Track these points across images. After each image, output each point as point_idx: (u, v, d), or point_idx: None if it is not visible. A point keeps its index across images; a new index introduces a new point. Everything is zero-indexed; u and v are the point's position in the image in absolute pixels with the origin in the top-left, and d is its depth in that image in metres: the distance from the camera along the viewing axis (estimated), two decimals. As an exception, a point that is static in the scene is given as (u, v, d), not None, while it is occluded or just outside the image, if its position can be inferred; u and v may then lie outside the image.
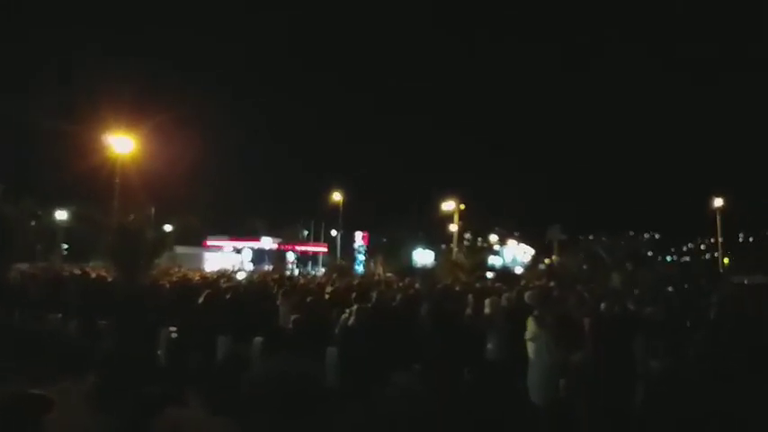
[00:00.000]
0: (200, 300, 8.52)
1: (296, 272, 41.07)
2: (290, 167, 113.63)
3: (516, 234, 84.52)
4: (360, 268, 47.80)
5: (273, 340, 7.33)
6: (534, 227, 67.71)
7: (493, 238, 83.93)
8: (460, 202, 46.32)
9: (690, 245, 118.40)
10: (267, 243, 52.46)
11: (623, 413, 4.53)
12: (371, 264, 46.92)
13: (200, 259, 45.73)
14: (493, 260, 57.15)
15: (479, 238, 78.67)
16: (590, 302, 9.56)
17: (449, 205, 45.88)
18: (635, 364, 5.11)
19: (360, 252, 53.60)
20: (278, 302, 9.46)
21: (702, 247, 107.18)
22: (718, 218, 38.42)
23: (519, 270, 47.02)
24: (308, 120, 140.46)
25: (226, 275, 21.53)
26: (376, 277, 24.44)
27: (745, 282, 22.23)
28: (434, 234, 60.43)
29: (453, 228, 46.60)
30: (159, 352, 7.24)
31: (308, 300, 9.20)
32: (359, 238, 54.20)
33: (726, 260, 45.71)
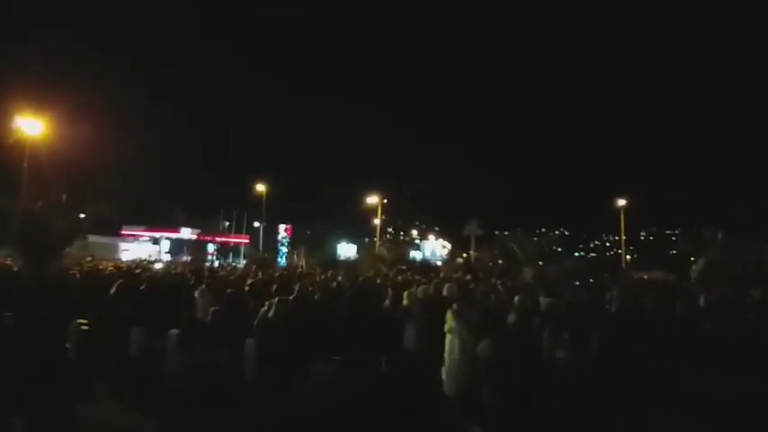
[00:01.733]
0: (113, 290, 8.17)
1: (216, 263, 40.00)
2: (212, 158, 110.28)
3: (436, 229, 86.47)
4: (282, 260, 47.27)
5: (190, 333, 7.16)
6: (453, 222, 69.40)
7: (414, 232, 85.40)
8: (384, 198, 46.85)
9: (596, 242, 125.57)
10: (186, 233, 50.86)
11: (531, 402, 4.76)
12: (294, 256, 46.59)
13: (115, 249, 43.78)
14: (414, 254, 58.08)
15: (401, 233, 79.70)
16: (503, 295, 10.00)
17: (373, 200, 46.25)
18: (543, 354, 5.42)
19: (283, 244, 52.98)
20: (196, 294, 9.22)
21: (607, 244, 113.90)
22: (621, 217, 41.01)
23: (438, 263, 48.04)
24: (232, 111, 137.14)
25: (141, 265, 20.68)
26: (299, 270, 24.25)
27: (645, 277, 23.82)
28: (358, 227, 60.84)
29: (376, 222, 47.06)
30: (68, 345, 6.88)
31: (228, 292, 9.04)
32: (282, 231, 53.52)
33: (628, 257, 48.89)
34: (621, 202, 40.36)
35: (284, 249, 52.56)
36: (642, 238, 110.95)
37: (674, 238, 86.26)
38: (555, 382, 4.62)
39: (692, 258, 24.33)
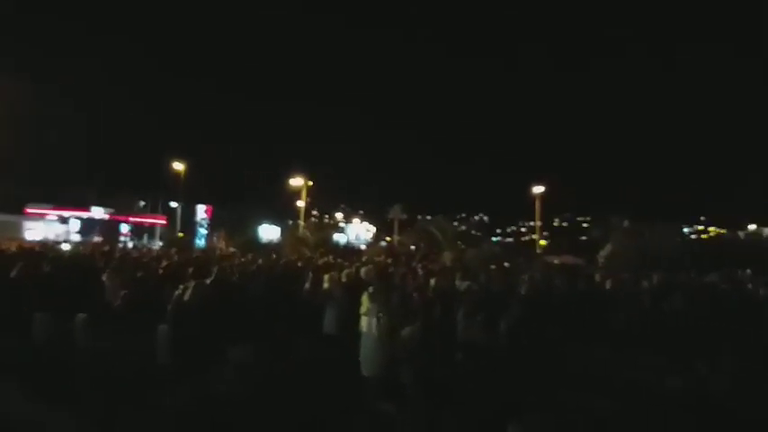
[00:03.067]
0: (14, 273, 7.67)
1: (130, 245, 38.26)
2: (126, 133, 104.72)
3: (361, 212, 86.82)
4: (201, 242, 45.89)
5: (98, 318, 6.86)
6: (378, 206, 69.98)
7: (339, 215, 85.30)
8: (308, 179, 46.39)
9: (513, 227, 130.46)
10: (98, 213, 48.25)
11: (445, 382, 4.92)
12: (214, 238, 45.34)
13: (19, 228, 40.81)
14: (338, 237, 58.09)
15: (326, 216, 79.34)
16: (422, 279, 10.22)
17: (297, 181, 45.68)
18: (457, 336, 5.61)
19: (202, 226, 51.34)
20: (104, 277, 8.81)
21: (523, 229, 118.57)
22: (537, 204, 42.72)
23: (362, 247, 48.33)
24: (149, 81, 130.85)
25: (47, 246, 19.49)
26: (218, 252, 23.66)
27: (556, 261, 24.97)
28: (281, 210, 59.96)
29: (300, 204, 46.59)
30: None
31: (139, 275, 8.70)
32: (201, 212, 51.84)
33: (542, 242, 51.08)
34: (538, 190, 42.00)
35: (203, 231, 51.02)
36: (556, 224, 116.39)
37: (585, 225, 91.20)
38: (468, 364, 4.80)
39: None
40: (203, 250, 29.31)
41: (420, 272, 12.25)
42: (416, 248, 33.17)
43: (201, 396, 5.73)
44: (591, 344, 6.20)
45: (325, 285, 8.48)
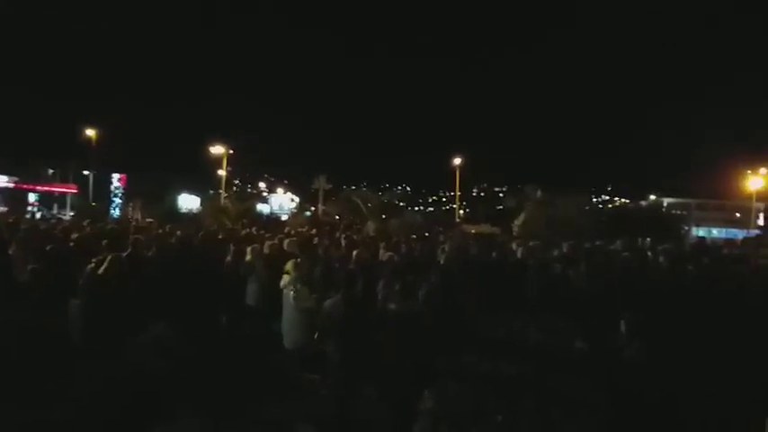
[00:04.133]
0: None
1: (38, 215, 35.89)
2: (35, 99, 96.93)
3: (285, 182, 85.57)
4: (116, 213, 43.76)
5: (3, 293, 6.51)
6: (302, 176, 69.21)
7: (262, 185, 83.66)
8: (230, 148, 45.09)
9: (434, 197, 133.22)
10: (1, 181, 44.94)
11: (369, 353, 5.07)
12: (129, 208, 43.38)
13: None
14: (261, 207, 57.09)
15: (249, 185, 77.56)
16: (345, 250, 10.32)
17: (218, 150, 44.27)
18: (377, 306, 5.76)
19: (116, 195, 48.86)
20: (10, 251, 8.31)
21: (444, 199, 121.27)
22: (456, 174, 43.81)
23: (286, 218, 47.81)
24: (63, 42, 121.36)
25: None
26: (134, 223, 22.70)
27: (473, 231, 25.80)
28: (202, 179, 58.10)
29: (221, 173, 45.31)
30: None
31: (49, 247, 8.26)
32: (116, 180, 49.25)
33: (461, 212, 52.62)
34: (457, 161, 43.02)
35: (118, 201, 48.65)
36: (474, 194, 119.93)
37: (501, 195, 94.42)
38: (387, 333, 4.96)
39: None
40: (118, 221, 27.97)
41: (343, 243, 12.34)
42: (341, 219, 33.21)
43: (119, 372, 5.61)
44: (504, 310, 6.53)
45: (247, 258, 8.42)
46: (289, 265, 6.72)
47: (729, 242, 17.41)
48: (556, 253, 10.77)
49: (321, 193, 52.67)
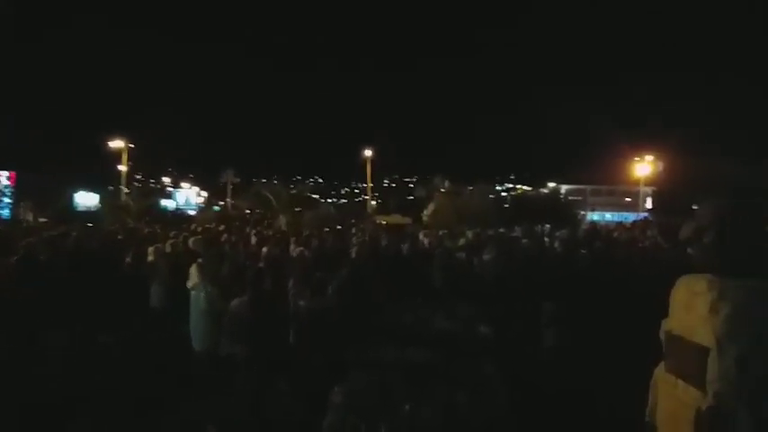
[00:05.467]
0: None
1: None
2: None
3: (191, 176, 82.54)
4: (5, 214, 40.44)
5: None
6: (209, 170, 67.01)
7: (166, 179, 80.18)
8: (130, 141, 42.88)
9: (346, 189, 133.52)
10: None
11: (279, 354, 5.06)
12: (20, 209, 40.29)
13: None
14: (165, 203, 54.81)
15: (152, 180, 74.18)
16: (255, 246, 10.19)
17: (117, 143, 41.95)
18: (288, 305, 5.76)
19: (5, 195, 45.12)
20: None
21: (356, 191, 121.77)
22: (368, 166, 44.17)
23: (192, 213, 46.23)
24: None
25: None
26: (25, 225, 21.10)
27: (384, 222, 26.16)
28: (100, 175, 54.86)
29: (122, 168, 43.04)
30: None
31: None
32: (4, 179, 45.46)
33: (373, 202, 53.11)
34: (368, 153, 43.37)
35: (7, 200, 45.00)
36: (386, 184, 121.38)
37: (411, 186, 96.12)
38: (299, 331, 4.99)
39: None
40: (7, 223, 25.92)
41: (254, 239, 12.16)
42: (251, 213, 32.58)
43: (16, 382, 5.28)
44: (412, 299, 6.70)
45: (150, 258, 8.12)
46: (193, 268, 6.54)
47: (620, 225, 18.73)
48: (462, 241, 11.18)
49: (229, 187, 51.35)
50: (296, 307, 5.40)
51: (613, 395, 4.29)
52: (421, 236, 12.21)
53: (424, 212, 26.50)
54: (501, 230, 14.86)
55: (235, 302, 5.14)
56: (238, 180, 53.39)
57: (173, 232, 13.40)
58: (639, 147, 38.62)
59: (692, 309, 2.97)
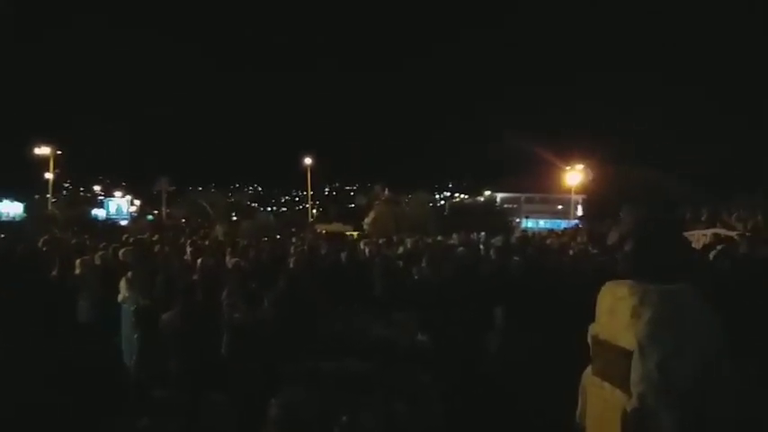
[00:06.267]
0: None
1: None
2: None
3: (123, 184, 79.65)
4: None
5: None
6: (143, 178, 64.87)
7: (97, 188, 77.00)
8: (57, 148, 40.97)
9: (287, 197, 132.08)
10: None
11: (213, 368, 4.93)
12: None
13: None
14: (96, 212, 52.64)
15: (81, 189, 71.16)
16: (190, 257, 9.91)
17: (44, 150, 39.94)
18: (222, 317, 5.62)
19: None
20: None
21: (296, 199, 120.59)
22: (308, 174, 43.91)
23: (124, 223, 44.53)
24: None
25: None
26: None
27: (323, 231, 26.05)
28: (26, 183, 52.16)
29: (49, 176, 41.01)
30: None
31: None
32: None
33: (314, 211, 52.83)
34: (308, 161, 43.13)
35: None
36: (327, 192, 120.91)
37: (352, 194, 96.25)
38: (232, 345, 4.88)
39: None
40: None
41: (189, 249, 11.83)
42: (186, 222, 31.76)
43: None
44: (352, 308, 6.69)
45: (77, 271, 7.76)
46: (123, 281, 6.30)
47: (552, 232, 19.36)
48: (401, 250, 11.26)
49: (164, 196, 49.85)
50: (230, 319, 5.28)
51: (546, 399, 4.40)
52: (361, 244, 12.21)
53: (365, 221, 26.57)
54: (439, 238, 15.07)
55: (166, 316, 4.98)
56: (173, 188, 51.94)
57: (102, 243, 12.86)
58: (571, 156, 40.16)
59: (615, 314, 3.10)
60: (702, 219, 13.63)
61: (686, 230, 10.82)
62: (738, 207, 14.47)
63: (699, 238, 9.63)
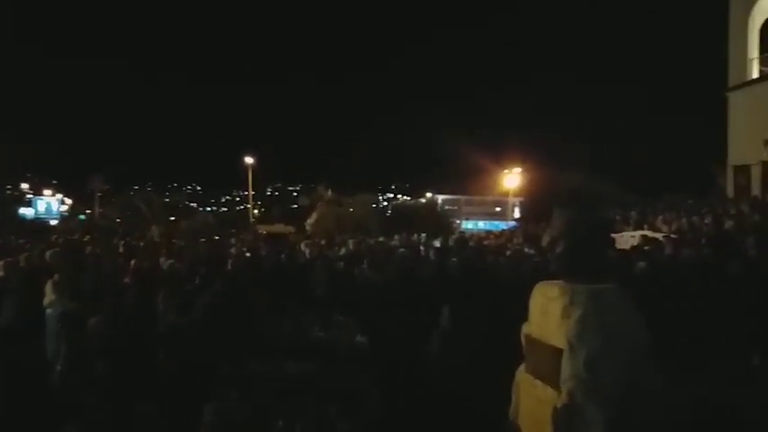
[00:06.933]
0: None
1: None
2: None
3: (54, 182, 75.94)
4: None
5: None
6: (75, 176, 62.09)
7: (25, 186, 73.12)
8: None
9: (228, 197, 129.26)
10: None
11: (147, 370, 4.76)
12: None
13: None
14: (24, 211, 50.12)
15: (7, 187, 67.46)
16: (123, 259, 9.53)
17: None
18: (157, 320, 5.43)
19: None
20: None
21: (237, 199, 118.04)
22: (249, 173, 43.10)
23: (54, 222, 42.58)
24: None
25: None
26: None
27: (264, 231, 25.66)
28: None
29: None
30: None
31: None
32: None
33: (256, 211, 51.94)
34: (249, 160, 42.34)
35: None
36: (269, 193, 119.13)
37: (295, 194, 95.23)
38: (167, 349, 4.73)
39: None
40: None
41: (121, 250, 11.41)
42: (121, 223, 30.63)
43: None
44: (291, 310, 6.62)
45: (0, 273, 7.33)
46: (49, 284, 6.00)
47: (490, 233, 19.77)
48: (343, 251, 11.22)
49: (97, 195, 47.88)
50: (164, 323, 5.11)
51: (485, 398, 4.48)
52: (302, 246, 12.10)
53: (308, 221, 26.36)
54: (381, 239, 15.12)
55: (93, 321, 4.77)
56: (108, 187, 49.99)
57: (27, 245, 12.25)
58: (509, 159, 41.15)
59: (547, 313, 3.20)
60: (631, 221, 14.23)
61: (615, 232, 11.27)
62: (664, 209, 15.17)
63: (627, 239, 10.03)
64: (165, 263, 8.34)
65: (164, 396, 4.69)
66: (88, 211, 51.68)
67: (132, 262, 7.88)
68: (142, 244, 13.77)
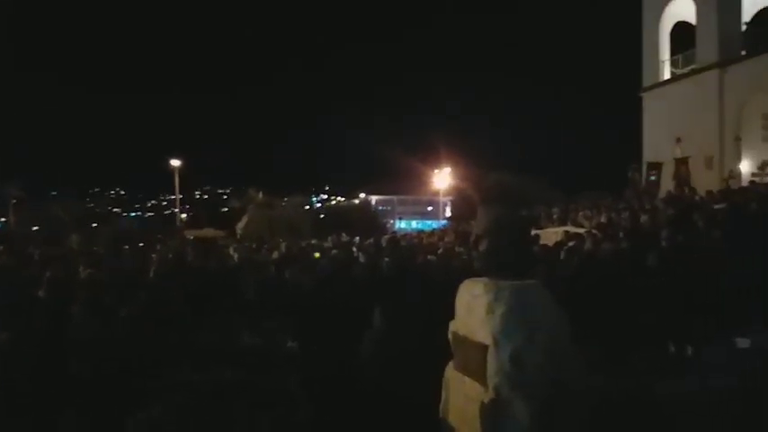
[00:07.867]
0: None
1: None
2: None
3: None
4: None
5: None
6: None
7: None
8: None
9: (153, 201, 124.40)
10: None
11: (65, 386, 4.52)
12: None
13: None
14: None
15: None
16: (37, 270, 8.99)
17: None
18: (74, 333, 5.14)
19: None
20: None
21: (164, 203, 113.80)
22: (176, 177, 41.68)
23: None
24: None
25: None
26: None
27: (192, 236, 24.90)
28: None
29: None
30: None
31: None
32: None
33: (184, 215, 50.34)
34: (176, 163, 40.97)
35: None
36: (198, 196, 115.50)
37: (225, 197, 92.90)
38: (84, 363, 4.49)
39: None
40: None
41: (36, 259, 10.76)
42: (37, 231, 28.98)
43: None
44: (219, 317, 6.45)
45: None
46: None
47: (422, 233, 20.05)
48: (276, 254, 11.04)
49: (11, 201, 45.00)
50: (80, 336, 4.85)
51: (418, 396, 4.52)
52: (231, 250, 11.83)
53: (238, 225, 25.80)
54: (313, 241, 15.01)
55: (3, 336, 4.48)
56: (23, 193, 47.10)
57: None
58: (439, 159, 41.88)
59: (472, 310, 3.26)
60: (554, 217, 14.78)
61: (539, 228, 11.67)
62: (585, 206, 15.84)
63: (551, 235, 10.40)
64: (83, 272, 7.91)
65: (84, 411, 4.46)
66: (2, 219, 48.58)
67: (47, 273, 7.42)
68: (59, 253, 13.05)
